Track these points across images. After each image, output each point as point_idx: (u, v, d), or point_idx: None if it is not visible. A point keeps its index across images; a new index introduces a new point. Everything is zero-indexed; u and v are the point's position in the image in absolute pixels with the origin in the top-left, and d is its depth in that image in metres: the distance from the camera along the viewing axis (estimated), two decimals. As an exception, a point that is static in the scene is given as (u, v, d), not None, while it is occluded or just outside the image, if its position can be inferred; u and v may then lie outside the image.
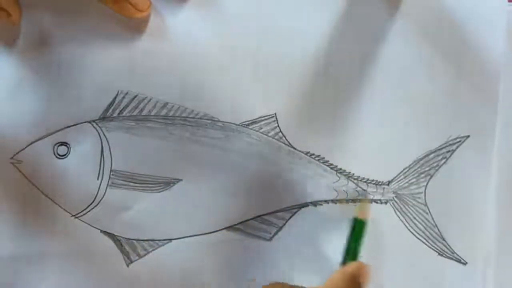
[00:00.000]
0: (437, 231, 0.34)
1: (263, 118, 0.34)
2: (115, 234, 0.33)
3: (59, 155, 0.33)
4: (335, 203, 0.34)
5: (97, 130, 0.33)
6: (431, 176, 0.34)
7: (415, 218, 0.34)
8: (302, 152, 0.34)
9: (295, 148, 0.34)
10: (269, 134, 0.34)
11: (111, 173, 0.33)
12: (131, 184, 0.33)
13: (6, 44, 0.33)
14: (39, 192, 0.33)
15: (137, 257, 0.33)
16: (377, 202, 0.34)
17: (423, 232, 0.34)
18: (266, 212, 0.34)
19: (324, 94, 0.34)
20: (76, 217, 0.33)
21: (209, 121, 0.34)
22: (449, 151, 0.34)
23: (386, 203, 0.34)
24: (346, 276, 0.29)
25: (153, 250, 0.33)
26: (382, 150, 0.34)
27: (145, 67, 0.33)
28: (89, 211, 0.33)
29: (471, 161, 0.34)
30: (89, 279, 0.33)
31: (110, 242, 0.33)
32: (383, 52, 0.35)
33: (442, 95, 0.35)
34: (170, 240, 0.33)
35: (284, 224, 0.34)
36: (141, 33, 0.34)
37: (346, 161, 0.34)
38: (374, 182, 0.34)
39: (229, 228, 0.34)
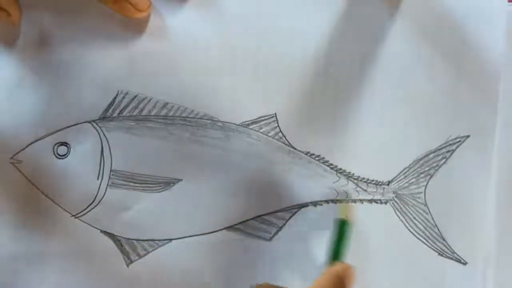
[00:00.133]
0: (437, 231, 0.34)
1: (263, 118, 0.34)
2: (115, 234, 0.33)
3: (59, 155, 0.33)
4: (335, 203, 0.34)
5: (97, 130, 0.33)
6: (431, 176, 0.34)
7: (415, 218, 0.34)
8: (302, 152, 0.34)
9: (295, 148, 0.34)
10: (269, 134, 0.34)
11: (111, 173, 0.33)
12: (131, 184, 0.33)
13: (6, 44, 0.33)
14: (39, 192, 0.33)
15: (137, 257, 0.33)
16: (377, 202, 0.34)
17: (423, 232, 0.34)
18: (266, 212, 0.34)
19: (324, 94, 0.34)
20: (76, 217, 0.33)
21: (209, 121, 0.34)
22: (449, 151, 0.34)
23: (386, 203, 0.34)
24: (331, 277, 0.29)
25: (153, 250, 0.33)
26: (382, 150, 0.34)
27: (145, 67, 0.33)
28: (89, 211, 0.33)
29: (471, 161, 0.34)
30: (89, 279, 0.33)
31: (110, 242, 0.33)
32: (383, 52, 0.35)
33: (442, 95, 0.35)
34: (170, 240, 0.33)
35: (284, 224, 0.34)
36: (141, 33, 0.34)
37: (346, 161, 0.34)
38: (374, 182, 0.34)
39: (229, 228, 0.34)
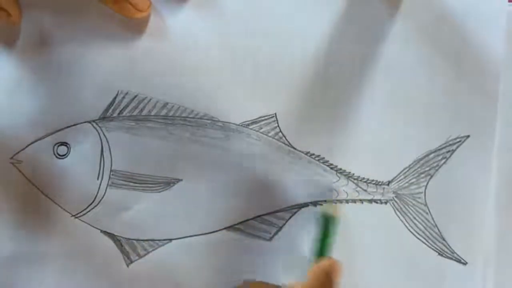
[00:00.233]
0: (437, 231, 0.34)
1: (263, 118, 0.34)
2: (115, 234, 0.33)
3: (59, 155, 0.33)
4: (335, 203, 0.34)
5: (97, 130, 0.33)
6: (431, 176, 0.34)
7: (415, 218, 0.34)
8: (302, 152, 0.34)
9: (295, 148, 0.34)
10: (269, 134, 0.34)
11: (111, 173, 0.33)
12: (131, 184, 0.33)
13: (6, 44, 0.33)
14: (39, 192, 0.33)
15: (137, 257, 0.33)
16: (377, 202, 0.34)
17: (423, 232, 0.34)
18: (266, 212, 0.34)
19: (324, 94, 0.34)
20: (76, 217, 0.33)
21: (209, 121, 0.34)
22: (449, 151, 0.34)
23: (386, 203, 0.34)
24: (318, 272, 0.29)
25: (153, 250, 0.33)
26: (382, 150, 0.34)
27: (145, 67, 0.33)
28: (89, 211, 0.33)
29: (471, 161, 0.34)
30: (89, 279, 0.33)
31: (110, 242, 0.33)
32: (383, 52, 0.35)
33: (442, 95, 0.35)
34: (170, 240, 0.33)
35: (284, 224, 0.34)
36: (141, 33, 0.34)
37: (346, 161, 0.34)
38: (374, 182, 0.34)
39: (229, 228, 0.34)
